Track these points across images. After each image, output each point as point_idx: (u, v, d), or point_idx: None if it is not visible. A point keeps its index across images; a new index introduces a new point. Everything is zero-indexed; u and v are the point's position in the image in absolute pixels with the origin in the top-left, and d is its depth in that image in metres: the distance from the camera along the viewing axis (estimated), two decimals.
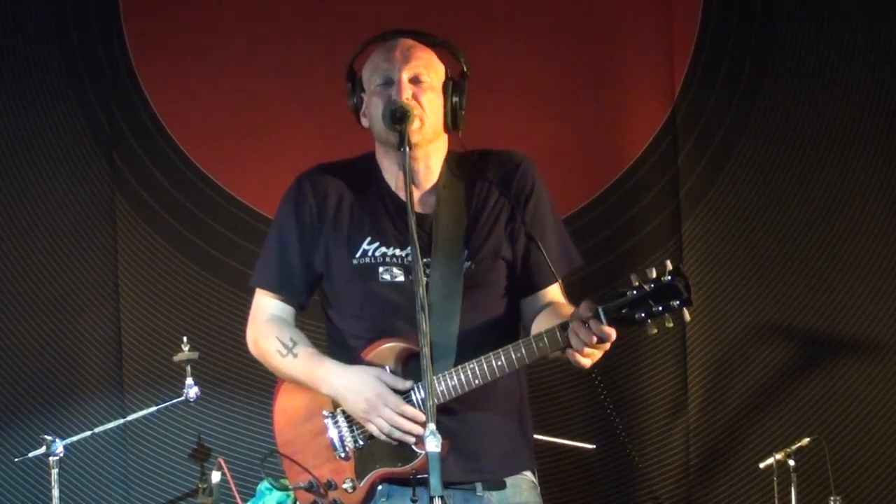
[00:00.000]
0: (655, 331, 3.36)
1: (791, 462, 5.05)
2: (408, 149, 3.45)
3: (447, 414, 3.48)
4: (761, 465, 5.14)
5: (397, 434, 3.50)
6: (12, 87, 5.68)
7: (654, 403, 5.59)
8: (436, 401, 3.37)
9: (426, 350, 3.25)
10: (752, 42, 5.64)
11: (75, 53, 5.69)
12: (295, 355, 3.62)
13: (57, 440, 4.85)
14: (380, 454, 3.53)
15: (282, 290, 3.69)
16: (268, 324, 3.69)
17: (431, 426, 3.16)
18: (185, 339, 5.07)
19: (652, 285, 3.34)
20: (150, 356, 5.64)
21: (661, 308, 3.34)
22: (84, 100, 5.68)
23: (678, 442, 5.61)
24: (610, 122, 5.68)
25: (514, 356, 3.46)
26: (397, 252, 3.59)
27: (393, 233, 3.60)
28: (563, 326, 3.42)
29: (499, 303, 3.62)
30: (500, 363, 3.46)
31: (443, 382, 3.47)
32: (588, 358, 3.44)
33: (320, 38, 5.64)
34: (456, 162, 3.67)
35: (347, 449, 3.55)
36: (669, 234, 5.63)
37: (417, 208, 3.59)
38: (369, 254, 3.60)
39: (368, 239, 3.61)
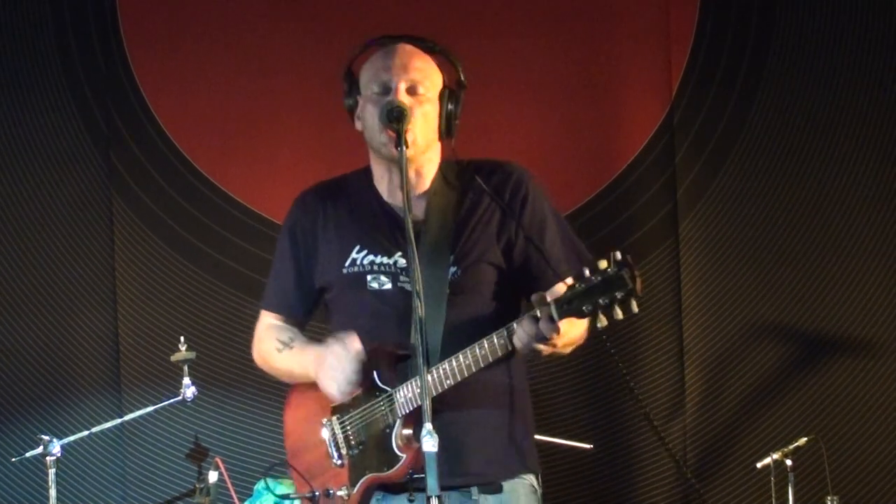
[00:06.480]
0: (605, 323, 3.30)
1: (788, 462, 5.04)
2: (405, 148, 3.45)
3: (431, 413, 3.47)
4: (758, 465, 5.13)
5: (348, 389, 3.51)
6: (9, 86, 5.68)
7: (651, 403, 5.59)
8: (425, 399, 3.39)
9: (421, 349, 3.26)
10: (750, 41, 5.63)
11: (72, 52, 5.68)
12: (291, 348, 3.69)
13: (54, 440, 4.84)
14: (370, 459, 3.53)
15: (281, 310, 3.77)
16: (268, 330, 3.77)
17: (428, 426, 3.16)
18: (182, 338, 5.06)
19: (599, 277, 3.30)
20: (147, 356, 5.64)
21: (606, 300, 3.29)
22: (81, 99, 5.68)
23: (675, 442, 5.61)
24: (607, 121, 5.67)
25: (496, 343, 3.41)
26: (385, 260, 3.60)
27: (381, 240, 3.61)
28: (533, 318, 3.38)
29: (486, 307, 3.60)
30: (483, 352, 3.42)
31: (428, 377, 3.43)
32: (544, 346, 3.41)
33: (319, 37, 5.63)
34: (450, 170, 3.68)
35: (342, 456, 3.56)
36: (667, 234, 5.63)
37: None
38: (358, 262, 3.62)
39: (357, 248, 3.63)
